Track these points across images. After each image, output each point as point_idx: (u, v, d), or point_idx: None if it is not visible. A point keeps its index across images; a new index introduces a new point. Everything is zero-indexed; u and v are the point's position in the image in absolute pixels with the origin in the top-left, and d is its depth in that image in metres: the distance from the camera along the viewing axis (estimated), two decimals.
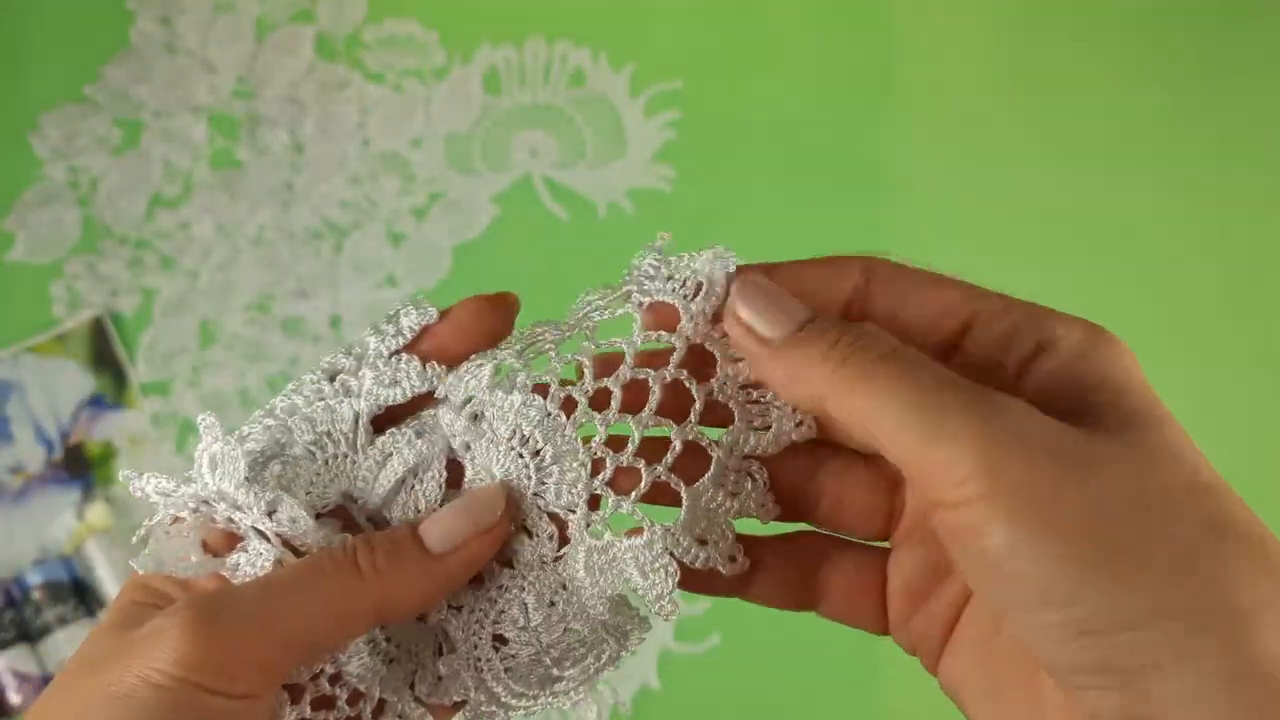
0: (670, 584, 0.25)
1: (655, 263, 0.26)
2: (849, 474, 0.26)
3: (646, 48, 0.86)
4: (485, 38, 0.87)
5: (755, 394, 0.26)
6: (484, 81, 0.86)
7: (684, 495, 0.26)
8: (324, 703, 0.28)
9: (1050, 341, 0.23)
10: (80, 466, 0.79)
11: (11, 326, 0.81)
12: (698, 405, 0.25)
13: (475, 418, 0.27)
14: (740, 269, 0.25)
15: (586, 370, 0.26)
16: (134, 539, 0.27)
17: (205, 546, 0.27)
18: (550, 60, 0.86)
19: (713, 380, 0.26)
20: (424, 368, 0.27)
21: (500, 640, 0.28)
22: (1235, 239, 0.81)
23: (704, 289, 0.25)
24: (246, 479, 0.26)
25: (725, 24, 0.87)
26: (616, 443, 0.26)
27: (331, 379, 0.28)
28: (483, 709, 0.27)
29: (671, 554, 0.25)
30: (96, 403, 0.80)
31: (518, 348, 0.27)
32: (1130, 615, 0.19)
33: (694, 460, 0.26)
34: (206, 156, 0.85)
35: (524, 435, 0.26)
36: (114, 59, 0.86)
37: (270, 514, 0.26)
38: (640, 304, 0.26)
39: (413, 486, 0.28)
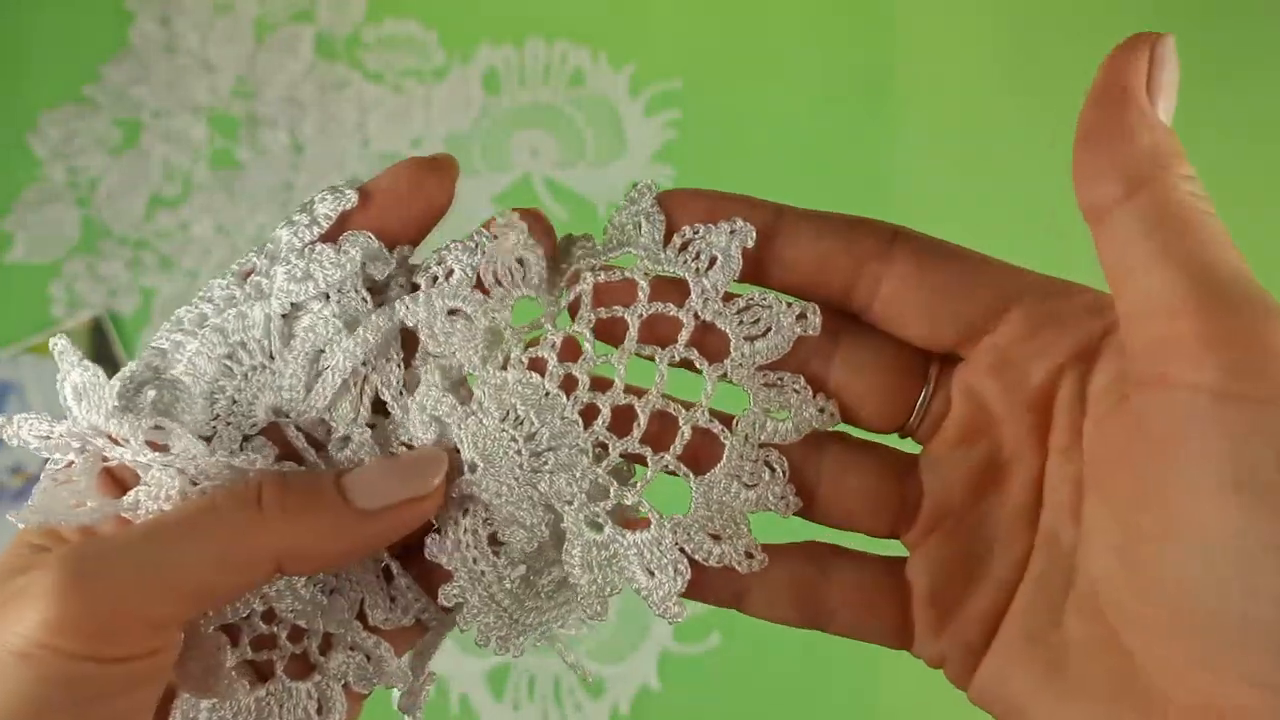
0: (680, 583, 0.23)
1: (657, 228, 0.24)
2: (853, 460, 0.24)
3: (646, 48, 0.86)
4: (485, 38, 0.87)
5: (773, 375, 0.23)
6: (484, 81, 0.86)
7: (694, 487, 0.23)
8: (265, 642, 0.25)
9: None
10: None
11: (11, 327, 0.81)
12: (709, 388, 0.23)
13: (457, 390, 0.24)
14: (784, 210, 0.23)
15: (587, 345, 0.24)
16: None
17: (109, 486, 0.24)
18: (550, 60, 0.86)
19: (726, 360, 0.23)
20: (337, 252, 0.24)
21: (496, 541, 0.25)
22: (1236, 239, 0.81)
23: (719, 263, 0.23)
24: (117, 408, 0.23)
25: (725, 24, 0.87)
26: (620, 425, 0.24)
27: (242, 281, 0.24)
28: (493, 632, 0.25)
29: (683, 550, 0.23)
30: None
31: (504, 314, 0.24)
32: None
33: (706, 446, 0.24)
34: (206, 157, 0.85)
35: (518, 416, 0.24)
36: (113, 59, 0.86)
37: (156, 447, 0.23)
38: (646, 273, 0.23)
39: (364, 378, 0.24)
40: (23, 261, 0.82)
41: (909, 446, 0.25)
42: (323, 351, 0.24)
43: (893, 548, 0.25)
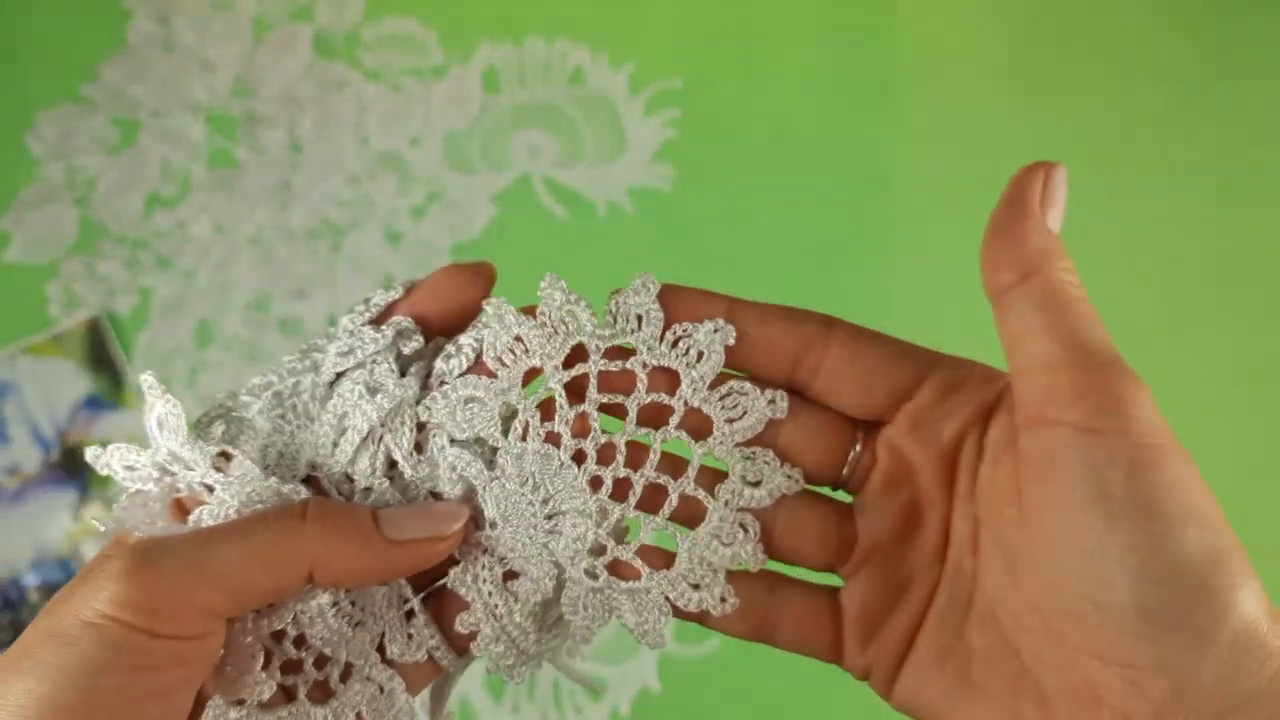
0: (664, 623, 0.28)
1: (656, 324, 0.28)
2: (803, 508, 0.29)
3: (646, 46, 0.86)
4: (484, 36, 0.86)
5: (748, 450, 0.28)
6: (483, 80, 0.86)
7: (680, 545, 0.28)
8: (292, 667, 0.28)
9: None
10: (77, 468, 0.78)
11: (8, 327, 0.80)
12: (695, 462, 0.28)
13: (489, 460, 0.28)
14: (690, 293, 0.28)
15: (594, 425, 0.28)
16: (103, 528, 0.28)
17: (177, 514, 0.28)
18: (549, 59, 0.86)
19: (709, 439, 0.28)
20: (375, 331, 0.28)
21: (510, 574, 0.29)
22: (1236, 239, 0.81)
23: (705, 358, 0.28)
24: (193, 434, 0.27)
25: (725, 23, 0.87)
26: (619, 492, 0.28)
27: (304, 357, 0.29)
28: (513, 669, 0.29)
29: (667, 598, 0.28)
30: (93, 403, 0.79)
31: (515, 390, 0.28)
32: (1200, 579, 0.21)
33: (690, 508, 0.28)
34: (204, 156, 0.85)
35: (535, 482, 0.28)
36: (111, 58, 0.86)
37: (221, 471, 0.27)
38: (645, 365, 0.28)
39: (380, 437, 0.28)
40: (20, 261, 0.82)
41: (843, 496, 0.30)
42: (347, 414, 0.28)
43: (826, 578, 0.29)
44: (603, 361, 0.28)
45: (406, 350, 0.28)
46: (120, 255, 0.83)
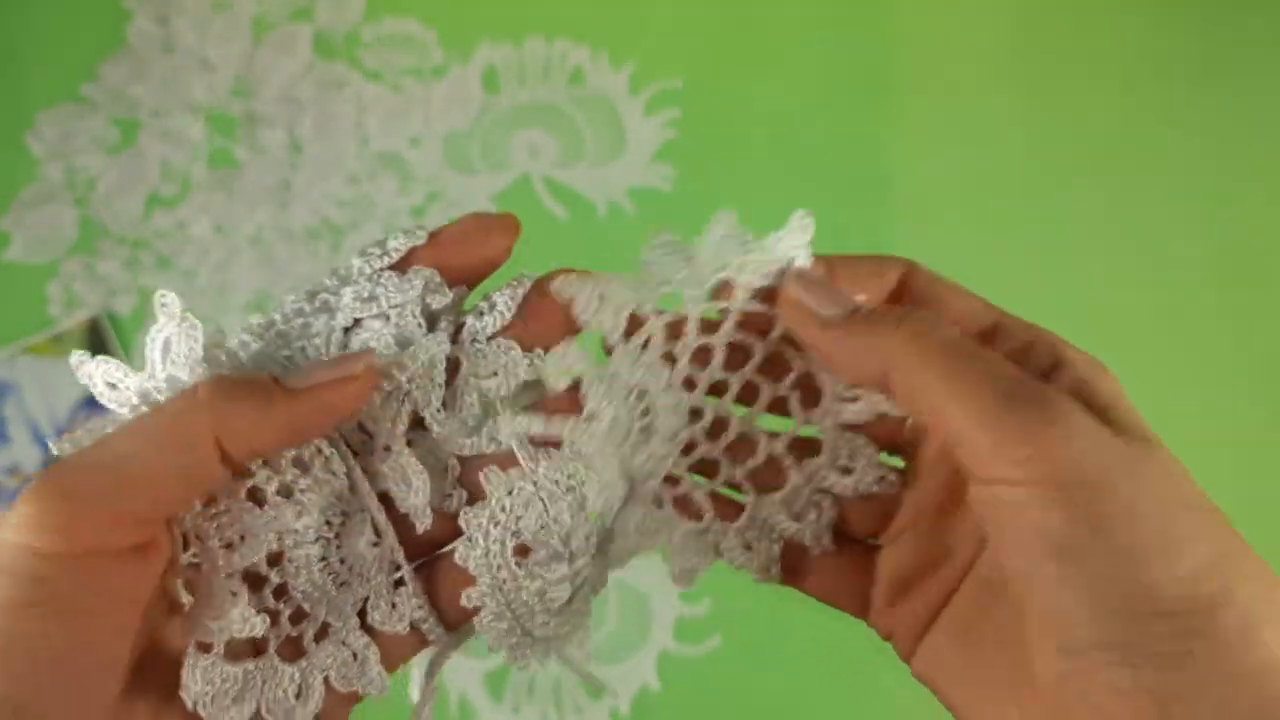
0: (702, 568, 0.27)
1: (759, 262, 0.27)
2: None
3: (646, 46, 0.86)
4: (484, 36, 0.86)
5: (848, 435, 0.27)
6: (483, 80, 0.86)
7: (750, 500, 0.27)
8: (269, 618, 0.26)
9: (1062, 361, 0.24)
10: None
11: (8, 327, 0.80)
12: (796, 430, 0.27)
13: (491, 415, 0.27)
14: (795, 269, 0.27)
15: (716, 356, 0.27)
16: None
17: None
18: (549, 59, 0.86)
19: (815, 410, 0.27)
20: (400, 279, 0.26)
21: (523, 549, 0.27)
22: (1236, 239, 0.81)
23: None
24: (204, 359, 0.25)
25: (725, 23, 0.87)
26: (715, 429, 0.28)
27: (312, 298, 0.27)
28: (516, 649, 0.27)
29: (716, 547, 0.27)
30: (93, 404, 0.79)
31: (652, 297, 0.27)
32: (1166, 605, 0.20)
33: (771, 471, 0.27)
34: (204, 156, 0.84)
35: (641, 392, 0.27)
36: (111, 58, 0.86)
37: None
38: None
39: (407, 391, 0.26)
40: (20, 261, 0.82)
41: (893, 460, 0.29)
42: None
43: None
44: (748, 303, 0.27)
45: (434, 305, 0.26)
46: (120, 255, 0.83)
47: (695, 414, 0.27)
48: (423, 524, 0.27)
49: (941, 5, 0.86)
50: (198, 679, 0.25)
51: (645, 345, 0.27)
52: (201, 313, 0.81)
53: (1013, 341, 0.25)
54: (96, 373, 0.26)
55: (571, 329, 0.27)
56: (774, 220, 0.29)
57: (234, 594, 0.26)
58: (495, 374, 0.26)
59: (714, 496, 0.28)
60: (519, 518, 0.27)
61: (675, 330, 0.27)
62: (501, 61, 0.86)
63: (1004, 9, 0.86)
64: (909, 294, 0.27)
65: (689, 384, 0.27)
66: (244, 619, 0.25)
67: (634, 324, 0.27)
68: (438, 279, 0.26)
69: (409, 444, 0.27)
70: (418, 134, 0.85)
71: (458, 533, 0.27)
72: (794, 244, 0.26)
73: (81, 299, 0.81)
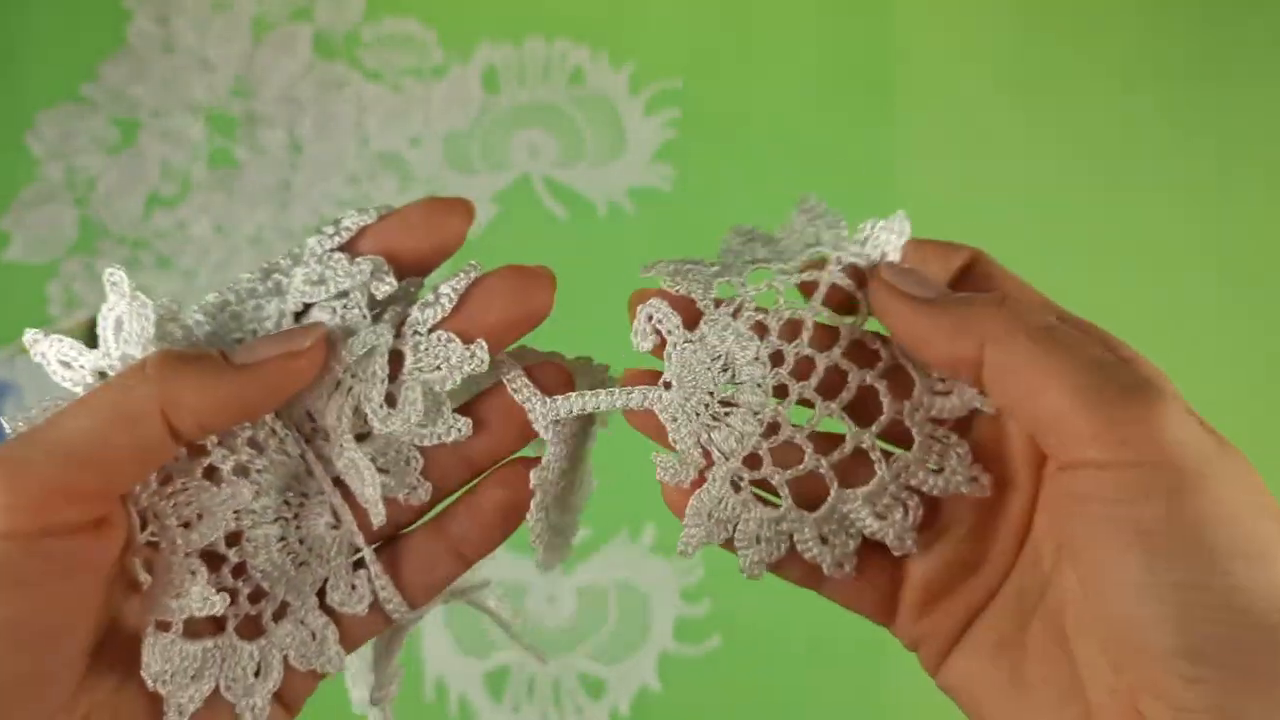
0: (774, 557, 0.26)
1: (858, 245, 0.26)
2: None
3: (646, 46, 0.86)
4: (484, 36, 0.86)
5: (940, 431, 0.26)
6: (483, 80, 0.86)
7: (832, 493, 0.26)
8: (226, 594, 0.26)
9: (1122, 359, 0.24)
10: None
11: (7, 327, 0.80)
12: (883, 419, 0.26)
13: (437, 407, 0.26)
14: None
15: (806, 332, 0.26)
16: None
17: None
18: (549, 59, 0.86)
19: (906, 402, 0.26)
20: (350, 263, 0.25)
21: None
22: (1236, 239, 0.81)
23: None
24: (156, 336, 0.24)
25: (725, 23, 0.87)
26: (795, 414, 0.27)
27: (266, 277, 0.26)
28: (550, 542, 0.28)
29: (791, 537, 0.26)
30: None
31: (744, 271, 0.26)
32: (1253, 615, 0.19)
33: (855, 466, 0.26)
34: (204, 156, 0.84)
35: (726, 364, 0.26)
36: (111, 58, 0.86)
37: None
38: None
39: (350, 387, 0.26)
40: (20, 261, 0.82)
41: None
42: None
43: None
44: (840, 275, 0.26)
45: (378, 294, 0.26)
46: (120, 255, 0.83)
47: (781, 391, 0.26)
48: (378, 519, 0.27)
49: (941, 5, 0.86)
50: (157, 657, 0.25)
51: (736, 313, 0.26)
52: None
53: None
54: (50, 351, 0.25)
55: (527, 326, 0.26)
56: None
57: (192, 573, 0.25)
58: (439, 368, 0.26)
59: (794, 484, 0.26)
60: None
61: (764, 303, 0.26)
62: (501, 61, 0.86)
63: (1004, 9, 0.86)
64: (974, 280, 0.26)
65: (776, 359, 0.26)
66: (203, 598, 0.25)
67: (693, 315, 0.26)
68: (385, 266, 0.26)
69: (366, 437, 0.27)
70: (418, 134, 0.85)
71: (419, 515, 0.28)
72: (889, 237, 0.26)
73: (81, 299, 0.81)
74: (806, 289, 0.26)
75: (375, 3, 0.87)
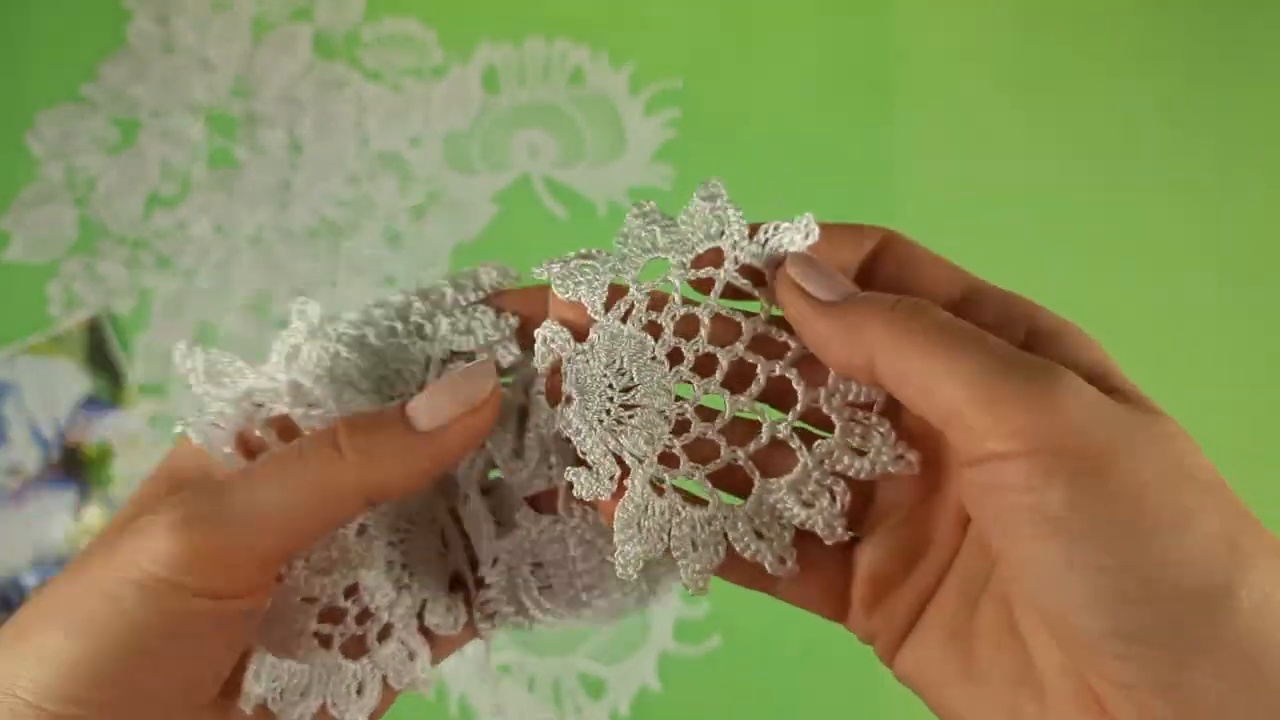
0: (714, 563, 0.25)
1: (747, 233, 0.26)
2: None
3: (646, 46, 0.86)
4: (484, 36, 0.86)
5: (861, 415, 0.25)
6: (483, 80, 0.86)
7: (756, 484, 0.25)
8: (332, 616, 0.28)
9: (1038, 330, 0.23)
10: (77, 468, 0.78)
11: (7, 327, 0.80)
12: (799, 407, 0.25)
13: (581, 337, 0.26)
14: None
15: (703, 329, 0.25)
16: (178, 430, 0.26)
17: (241, 448, 0.27)
18: (549, 59, 0.86)
19: (821, 389, 0.25)
20: (497, 318, 0.28)
21: (539, 565, 0.29)
22: (1235, 238, 0.81)
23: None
24: (330, 373, 0.26)
25: (725, 23, 0.87)
26: (706, 412, 0.26)
27: (405, 319, 0.28)
28: (510, 619, 0.28)
29: (726, 535, 0.25)
30: (93, 404, 0.79)
31: (632, 270, 0.26)
32: (1185, 584, 0.19)
33: (777, 456, 0.26)
34: (204, 156, 0.84)
35: (621, 367, 0.26)
36: (111, 58, 0.86)
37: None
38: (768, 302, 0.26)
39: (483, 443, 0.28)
40: (20, 261, 0.82)
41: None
42: None
43: None
44: (735, 274, 0.25)
45: (503, 362, 0.28)
46: (120, 255, 0.83)
47: (685, 391, 0.26)
48: (485, 568, 0.29)
49: (941, 5, 0.86)
50: (265, 677, 0.26)
51: (626, 316, 0.26)
52: (201, 313, 0.81)
53: (986, 313, 0.24)
54: (199, 360, 0.26)
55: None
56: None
57: (304, 615, 0.27)
58: (469, 333, 0.27)
59: (720, 481, 0.26)
60: (540, 543, 0.29)
61: (659, 300, 0.26)
62: (501, 61, 0.86)
63: (1004, 9, 0.86)
64: (886, 260, 0.26)
65: (675, 358, 0.26)
66: (309, 635, 0.27)
67: (615, 296, 0.26)
68: (515, 328, 0.28)
69: (488, 491, 0.29)
70: (418, 134, 0.85)
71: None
72: (793, 238, 0.25)
73: (81, 299, 0.81)
74: (702, 286, 0.26)
75: (375, 3, 0.87)
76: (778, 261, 0.25)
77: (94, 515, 0.78)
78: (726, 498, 0.26)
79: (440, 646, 0.29)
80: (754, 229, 0.26)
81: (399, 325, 0.28)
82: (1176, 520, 0.19)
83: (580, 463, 0.26)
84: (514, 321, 0.28)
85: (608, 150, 0.84)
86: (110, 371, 0.80)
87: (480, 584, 0.29)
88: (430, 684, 0.28)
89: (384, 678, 0.28)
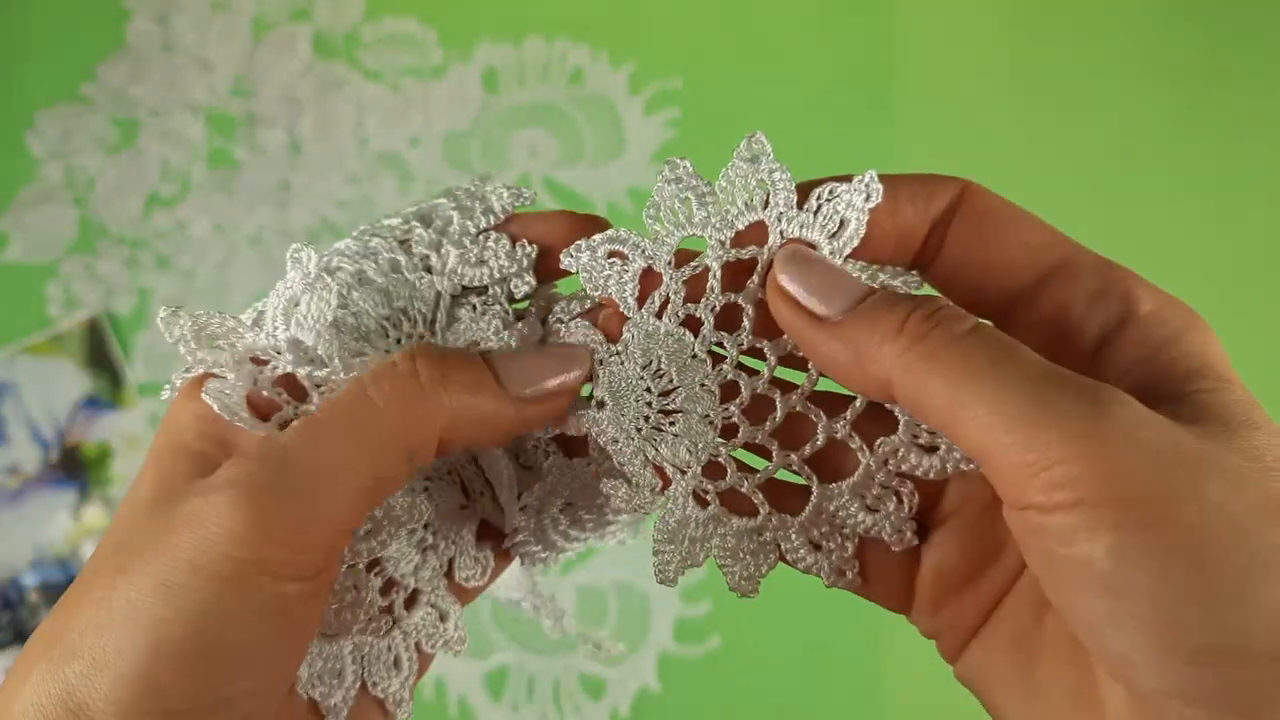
0: (763, 572, 0.23)
1: (792, 196, 0.22)
2: None
3: (646, 46, 0.86)
4: (484, 36, 0.86)
5: None
6: (483, 80, 0.86)
7: (814, 492, 0.23)
8: (358, 589, 0.26)
9: (1137, 314, 0.20)
10: (76, 468, 0.78)
11: (7, 327, 0.80)
12: (858, 404, 0.22)
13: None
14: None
15: (746, 321, 0.22)
16: (165, 394, 0.24)
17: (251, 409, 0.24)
18: (549, 59, 0.86)
19: None
20: (513, 247, 0.25)
21: (569, 504, 0.27)
22: (1236, 239, 0.81)
23: (851, 229, 0.21)
24: (332, 323, 0.23)
25: (725, 23, 0.87)
26: (755, 413, 0.23)
27: (407, 248, 0.25)
28: (538, 557, 0.27)
29: (779, 547, 0.23)
30: (93, 404, 0.79)
31: (665, 255, 0.23)
32: (1256, 646, 0.16)
33: (835, 456, 0.23)
34: (204, 156, 0.84)
35: (659, 369, 0.23)
36: (110, 58, 0.86)
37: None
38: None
39: None
40: (19, 261, 0.82)
41: None
42: (476, 343, 0.24)
43: None
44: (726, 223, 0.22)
45: (517, 292, 0.25)
46: (120, 255, 0.83)
47: (730, 390, 0.23)
48: (510, 524, 0.27)
49: (941, 5, 0.86)
50: (303, 665, 0.24)
51: (661, 311, 0.23)
52: None
53: (1079, 288, 0.21)
54: (185, 325, 0.23)
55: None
56: None
57: (355, 587, 0.25)
58: (482, 264, 0.25)
59: (767, 487, 0.23)
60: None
61: (697, 288, 0.23)
62: (501, 61, 0.86)
63: (1004, 10, 0.86)
64: (963, 220, 0.22)
65: (716, 356, 0.23)
66: (365, 615, 0.25)
67: (648, 284, 0.23)
68: (535, 258, 0.24)
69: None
70: (418, 134, 0.85)
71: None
72: (853, 202, 0.22)
73: (81, 299, 0.81)
74: (744, 267, 0.23)
75: (375, 3, 0.87)
76: (832, 234, 0.22)
77: (94, 515, 0.78)
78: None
79: (465, 595, 0.28)
80: (804, 192, 0.22)
81: (402, 259, 0.25)
82: (1248, 572, 0.17)
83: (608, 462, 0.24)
84: (532, 251, 0.25)
85: (607, 150, 0.84)
86: (110, 371, 0.80)
87: (511, 530, 0.28)
88: (465, 641, 0.27)
89: (416, 645, 0.27)
